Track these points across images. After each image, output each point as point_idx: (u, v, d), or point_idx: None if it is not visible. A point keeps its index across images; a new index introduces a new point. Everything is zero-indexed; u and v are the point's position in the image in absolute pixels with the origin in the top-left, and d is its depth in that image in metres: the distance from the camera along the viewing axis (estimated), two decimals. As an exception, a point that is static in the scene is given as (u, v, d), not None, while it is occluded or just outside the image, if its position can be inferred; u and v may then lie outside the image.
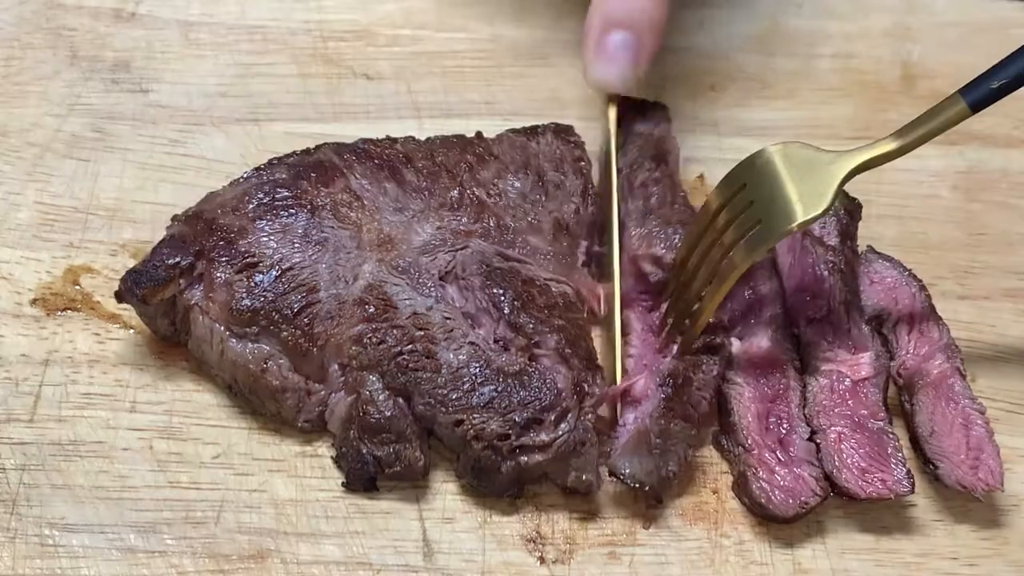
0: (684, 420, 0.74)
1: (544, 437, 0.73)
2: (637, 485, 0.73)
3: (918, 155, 0.95)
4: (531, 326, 0.76)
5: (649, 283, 0.82)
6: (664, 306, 0.82)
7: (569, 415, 0.74)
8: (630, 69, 0.82)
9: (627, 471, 0.73)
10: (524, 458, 0.73)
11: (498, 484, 0.74)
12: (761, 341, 0.80)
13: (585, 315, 0.80)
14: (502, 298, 0.77)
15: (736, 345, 0.80)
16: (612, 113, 0.87)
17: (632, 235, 0.83)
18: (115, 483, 0.73)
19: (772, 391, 0.78)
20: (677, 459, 0.74)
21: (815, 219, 0.74)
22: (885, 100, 1.01)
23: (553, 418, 0.74)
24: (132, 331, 0.79)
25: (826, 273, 0.82)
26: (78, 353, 0.78)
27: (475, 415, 0.73)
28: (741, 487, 0.76)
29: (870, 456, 0.75)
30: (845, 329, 0.80)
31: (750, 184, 0.76)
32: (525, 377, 0.75)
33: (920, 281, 0.84)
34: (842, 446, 0.76)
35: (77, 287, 0.80)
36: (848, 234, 0.85)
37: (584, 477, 0.74)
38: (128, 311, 0.78)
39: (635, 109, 0.89)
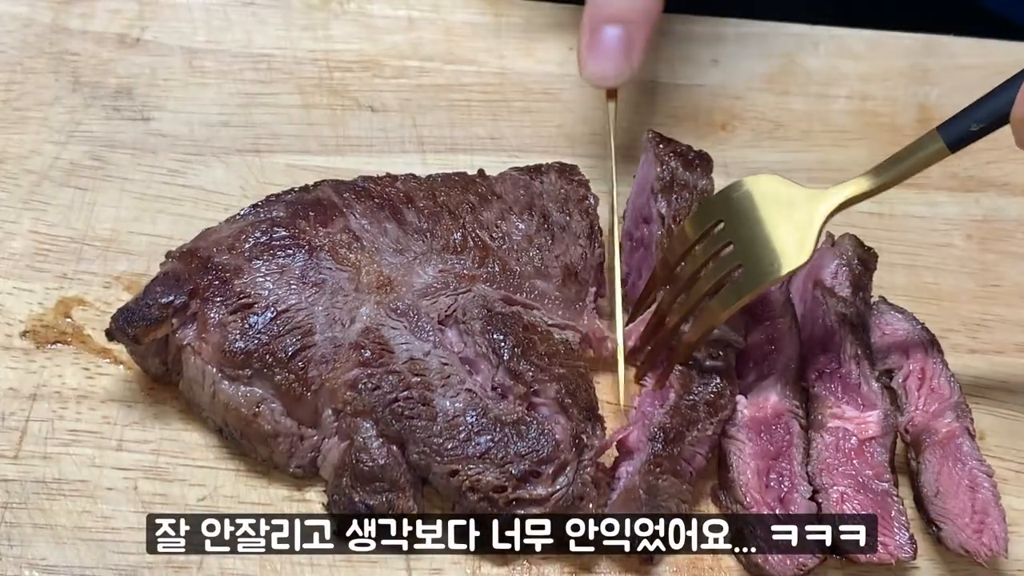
0: (674, 476, 0.72)
1: (541, 491, 0.72)
2: None
3: (932, 201, 0.96)
4: (530, 373, 0.74)
5: None
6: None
7: (568, 468, 0.72)
8: (623, 63, 0.82)
9: None
10: (520, 511, 0.71)
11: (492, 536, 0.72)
12: (770, 396, 0.78)
13: (586, 362, 0.78)
14: (502, 344, 0.75)
15: (742, 402, 0.77)
16: (612, 109, 0.87)
17: None
18: (97, 524, 0.71)
19: (775, 448, 0.76)
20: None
21: (799, 269, 0.72)
22: (900, 144, 0.95)
23: (551, 471, 0.72)
24: (122, 367, 0.77)
25: (837, 325, 0.80)
26: (66, 388, 0.76)
27: (471, 465, 0.72)
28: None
29: (872, 519, 0.73)
30: (855, 385, 0.78)
31: (727, 221, 0.75)
32: (523, 427, 0.73)
33: (933, 336, 0.82)
34: (844, 507, 0.74)
35: (68, 320, 0.79)
36: (861, 285, 0.83)
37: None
38: (119, 346, 0.76)
39: (679, 156, 0.85)
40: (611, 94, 0.87)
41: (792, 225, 0.73)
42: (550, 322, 0.78)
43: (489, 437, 0.72)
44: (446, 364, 0.74)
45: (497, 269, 0.79)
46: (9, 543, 0.70)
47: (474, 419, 0.73)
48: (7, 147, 0.87)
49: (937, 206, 0.95)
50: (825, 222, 0.73)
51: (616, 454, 0.77)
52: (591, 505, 0.72)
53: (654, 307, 0.80)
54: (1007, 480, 0.80)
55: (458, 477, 0.71)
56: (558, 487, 0.72)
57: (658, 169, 0.84)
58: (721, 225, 0.75)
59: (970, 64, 1.04)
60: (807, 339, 0.81)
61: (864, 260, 0.84)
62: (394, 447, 0.72)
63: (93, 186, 0.86)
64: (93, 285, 0.81)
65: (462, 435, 0.72)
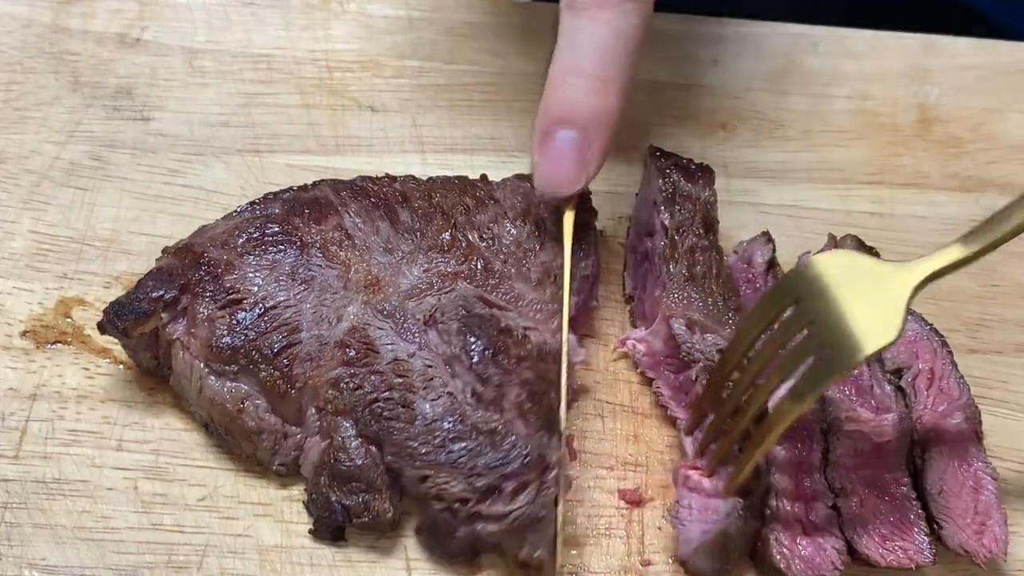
0: (758, 521, 0.73)
1: (501, 507, 0.70)
2: None
3: (932, 201, 0.96)
4: (497, 377, 0.73)
5: (676, 347, 0.78)
6: (697, 411, 0.77)
7: (529, 488, 0.70)
8: (577, 170, 0.73)
9: (698, 566, 0.73)
10: (479, 526, 0.70)
11: (451, 548, 0.72)
12: None
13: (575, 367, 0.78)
14: (473, 346, 0.74)
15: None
16: (568, 221, 0.77)
17: (672, 297, 0.79)
18: (98, 524, 0.72)
19: (802, 454, 0.74)
20: (738, 554, 0.73)
21: (886, 348, 0.66)
22: (900, 144, 0.99)
23: (512, 488, 0.70)
24: (122, 367, 0.78)
25: (848, 327, 0.79)
26: (66, 388, 0.76)
27: (442, 473, 0.70)
28: (759, 551, 0.74)
29: (892, 523, 0.73)
30: (867, 387, 0.78)
31: (803, 302, 0.68)
32: (497, 438, 0.71)
33: (942, 336, 0.82)
34: (863, 511, 0.73)
35: (68, 320, 0.79)
36: (869, 287, 0.82)
37: (537, 553, 0.70)
38: (118, 346, 0.77)
39: (681, 169, 0.84)
40: (568, 203, 0.78)
41: (875, 304, 0.66)
42: (524, 325, 0.77)
43: (463, 445, 0.71)
44: (430, 366, 0.74)
45: (479, 267, 0.78)
46: (9, 543, 0.70)
47: (451, 425, 0.71)
48: (7, 147, 0.87)
49: (937, 206, 0.95)
50: (912, 296, 0.66)
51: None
52: (549, 527, 0.70)
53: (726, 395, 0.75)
54: (1007, 480, 0.80)
55: (427, 484, 0.70)
56: (517, 505, 0.70)
57: (660, 182, 0.83)
58: (795, 305, 0.69)
59: (970, 64, 1.04)
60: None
61: (870, 261, 0.83)
62: (372, 448, 0.72)
63: (93, 186, 0.86)
64: (93, 285, 0.81)
65: (437, 440, 0.71)
